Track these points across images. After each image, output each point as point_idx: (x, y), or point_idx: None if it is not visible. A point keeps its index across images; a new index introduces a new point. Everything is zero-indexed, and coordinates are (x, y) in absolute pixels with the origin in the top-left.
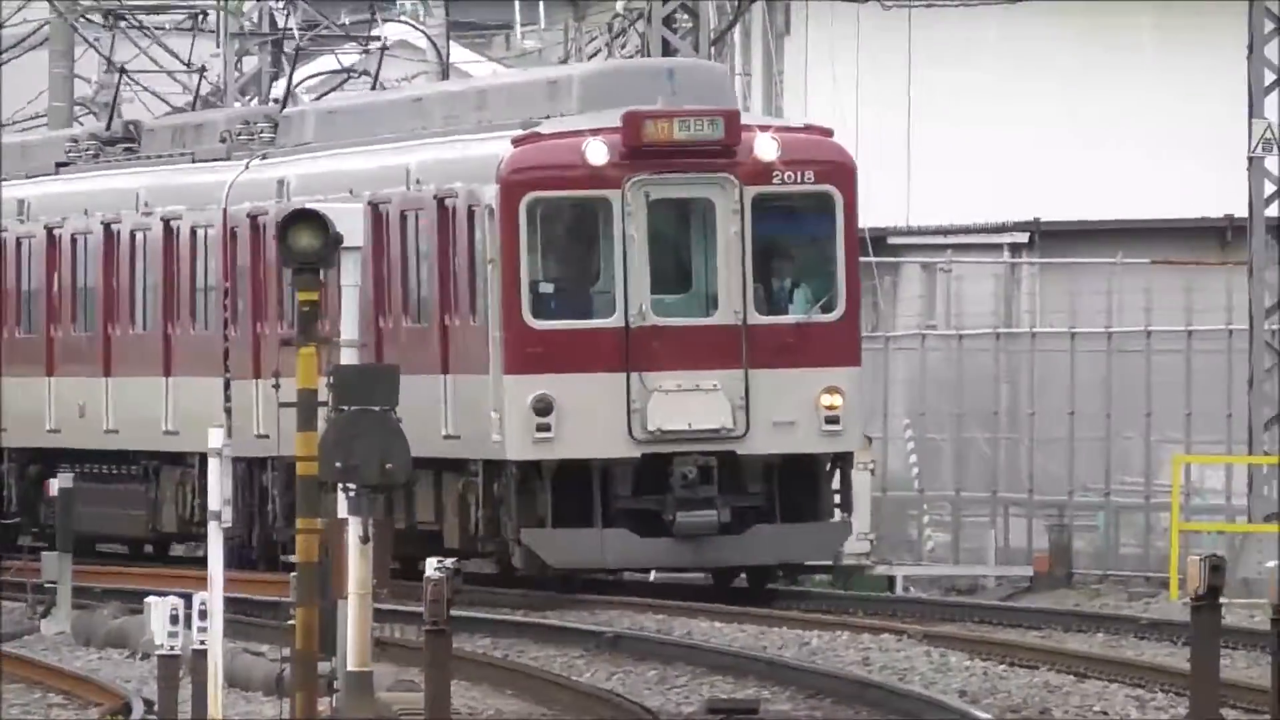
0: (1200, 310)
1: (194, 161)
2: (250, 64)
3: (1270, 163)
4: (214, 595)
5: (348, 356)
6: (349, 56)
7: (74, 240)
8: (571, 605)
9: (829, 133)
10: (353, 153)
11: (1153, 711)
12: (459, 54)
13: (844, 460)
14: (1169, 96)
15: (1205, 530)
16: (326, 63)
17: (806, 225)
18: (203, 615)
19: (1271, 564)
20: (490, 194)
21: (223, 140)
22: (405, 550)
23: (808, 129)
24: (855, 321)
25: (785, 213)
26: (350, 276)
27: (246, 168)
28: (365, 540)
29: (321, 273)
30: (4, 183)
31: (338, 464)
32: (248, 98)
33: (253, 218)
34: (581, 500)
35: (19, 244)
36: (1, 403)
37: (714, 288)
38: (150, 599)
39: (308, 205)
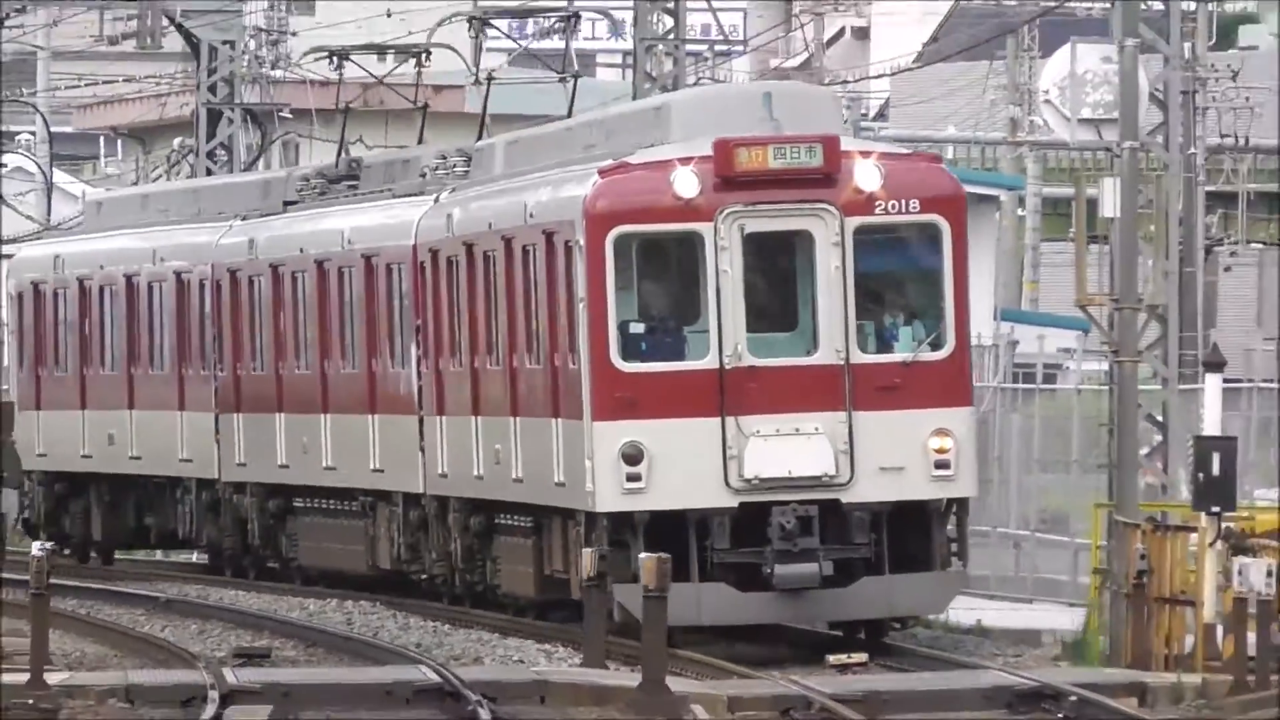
0: None
1: (393, 198)
2: None
3: None
4: None
5: None
6: None
7: (293, 279)
8: (134, 576)
9: (936, 159)
10: (493, 191)
11: (556, 661)
12: (60, 177)
13: (960, 506)
14: None
15: None
16: None
17: (912, 258)
18: None
19: (643, 555)
20: (580, 228)
21: (421, 175)
22: (545, 595)
23: (913, 156)
24: (965, 359)
25: (889, 245)
26: None
27: (436, 201)
28: None
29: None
30: (239, 221)
31: None
32: None
33: (434, 253)
34: (676, 553)
35: (250, 283)
36: (242, 441)
37: (814, 325)
38: None
39: None
